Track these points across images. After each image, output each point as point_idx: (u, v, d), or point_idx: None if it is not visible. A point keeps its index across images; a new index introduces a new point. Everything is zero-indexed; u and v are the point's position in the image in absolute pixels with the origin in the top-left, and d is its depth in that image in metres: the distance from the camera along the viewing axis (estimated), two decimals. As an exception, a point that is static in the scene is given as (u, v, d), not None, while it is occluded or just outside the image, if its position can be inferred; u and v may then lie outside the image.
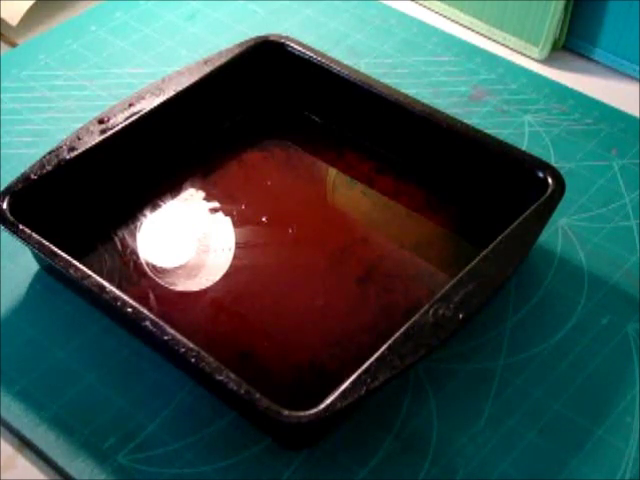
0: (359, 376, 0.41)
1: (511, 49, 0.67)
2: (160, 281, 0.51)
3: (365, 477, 0.44)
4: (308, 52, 0.57)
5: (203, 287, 0.51)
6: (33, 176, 0.50)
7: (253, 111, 0.59)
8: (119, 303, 0.44)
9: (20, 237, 0.47)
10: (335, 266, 0.51)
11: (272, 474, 0.43)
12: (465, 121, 0.53)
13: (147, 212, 0.54)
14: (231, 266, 0.52)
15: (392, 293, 0.50)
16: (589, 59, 0.66)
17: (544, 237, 0.53)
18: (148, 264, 0.51)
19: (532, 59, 0.66)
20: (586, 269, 0.52)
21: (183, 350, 0.42)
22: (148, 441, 0.44)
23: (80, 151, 0.51)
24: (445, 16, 0.70)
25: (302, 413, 0.40)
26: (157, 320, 0.43)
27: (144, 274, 0.51)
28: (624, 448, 0.45)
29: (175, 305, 0.50)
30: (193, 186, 0.56)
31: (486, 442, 0.45)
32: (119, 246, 0.52)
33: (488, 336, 0.49)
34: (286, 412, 0.41)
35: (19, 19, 0.67)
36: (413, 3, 0.71)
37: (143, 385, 0.47)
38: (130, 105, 0.54)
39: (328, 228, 0.54)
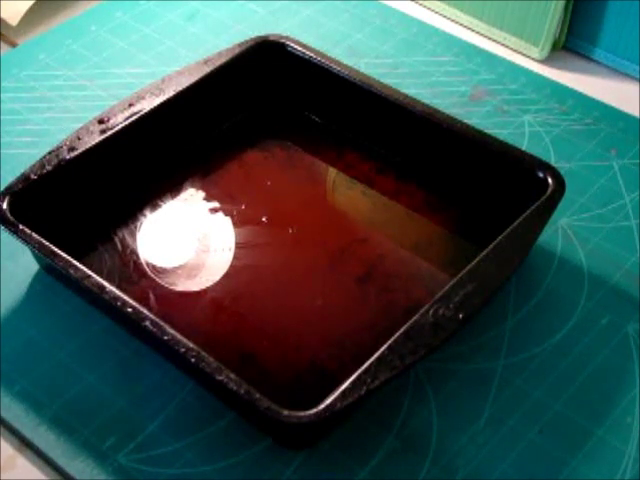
0: (359, 376, 0.41)
1: (511, 49, 0.67)
2: (160, 281, 0.51)
3: (365, 477, 0.44)
4: (308, 52, 0.57)
5: (203, 287, 0.51)
6: (33, 176, 0.50)
7: (253, 111, 0.59)
8: (119, 303, 0.44)
9: (20, 237, 0.47)
10: (335, 266, 0.51)
11: (272, 474, 0.43)
12: (465, 121, 0.53)
13: (147, 212, 0.54)
14: (231, 266, 0.52)
15: (392, 293, 0.50)
16: (589, 59, 0.66)
17: (544, 237, 0.53)
18: (148, 264, 0.51)
19: (532, 59, 0.66)
20: (586, 269, 0.52)
21: (183, 350, 0.42)
22: (148, 441, 0.44)
23: (80, 151, 0.51)
24: (445, 16, 0.70)
25: (302, 413, 0.41)
26: (157, 320, 0.43)
27: (144, 274, 0.51)
28: (624, 448, 0.45)
29: (175, 305, 0.50)
30: (193, 186, 0.56)
31: (486, 442, 0.45)
32: (119, 246, 0.52)
33: (488, 336, 0.49)
34: (286, 412, 0.41)
35: (19, 19, 0.67)
36: (413, 3, 0.71)
37: (143, 385, 0.47)
38: (130, 105, 0.54)
39: (328, 228, 0.54)
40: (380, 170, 0.56)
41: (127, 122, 0.53)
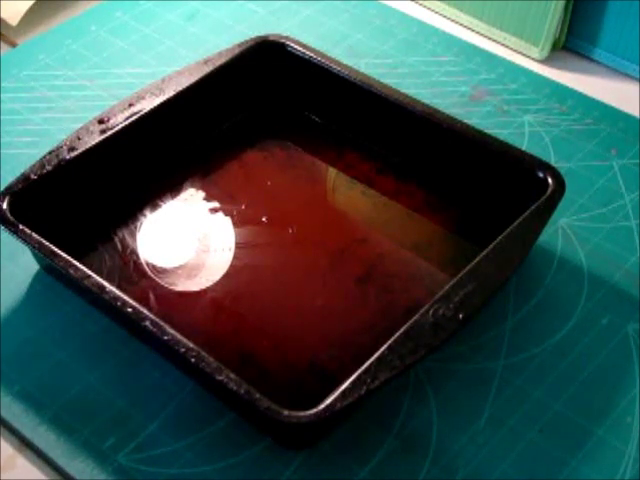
0: (359, 376, 0.41)
1: (511, 49, 0.67)
2: (160, 281, 0.51)
3: (365, 477, 0.44)
4: (308, 52, 0.57)
5: (203, 287, 0.51)
6: (33, 176, 0.50)
7: (253, 111, 0.59)
8: (119, 303, 0.44)
9: (20, 237, 0.47)
10: (335, 266, 0.51)
11: (272, 474, 0.44)
12: (465, 121, 0.53)
13: (147, 212, 0.54)
14: (231, 266, 0.52)
15: (392, 293, 0.50)
16: (589, 59, 0.66)
17: (544, 237, 0.53)
18: (148, 264, 0.51)
19: (532, 59, 0.66)
20: (586, 269, 0.52)
21: (183, 350, 0.42)
22: (148, 441, 0.44)
23: (80, 151, 0.51)
24: (445, 16, 0.70)
25: (302, 413, 0.40)
26: (157, 320, 0.43)
27: (144, 274, 0.51)
28: (624, 448, 0.45)
29: (175, 305, 0.50)
30: (193, 186, 0.56)
31: (486, 442, 0.45)
32: (119, 246, 0.52)
33: (488, 336, 0.49)
34: (286, 412, 0.41)
35: (19, 19, 0.67)
36: (413, 3, 0.71)
37: (143, 385, 0.47)
38: (130, 105, 0.54)
39: (328, 228, 0.54)
40: (380, 170, 0.56)
41: (127, 122, 0.53)
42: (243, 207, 0.54)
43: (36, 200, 0.50)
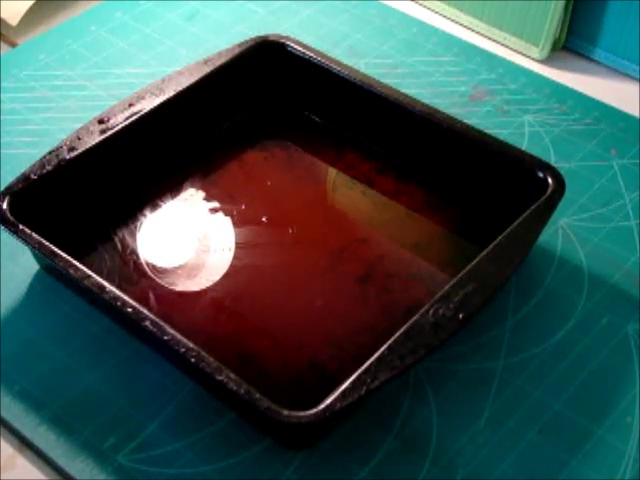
0: (359, 376, 0.41)
1: (511, 49, 0.67)
2: (160, 281, 0.51)
3: (365, 477, 0.44)
4: (308, 52, 0.57)
5: (203, 287, 0.51)
6: (33, 176, 0.50)
7: (253, 111, 0.59)
8: (119, 303, 0.44)
9: (20, 237, 0.47)
10: (335, 266, 0.51)
11: (272, 474, 0.44)
12: (465, 121, 0.53)
13: (147, 212, 0.54)
14: (231, 266, 0.52)
15: (392, 293, 0.50)
16: (589, 59, 0.66)
17: (544, 237, 0.53)
18: (148, 264, 0.51)
19: (532, 59, 0.66)
20: (586, 269, 0.52)
21: (183, 350, 0.42)
22: (148, 441, 0.44)
23: (80, 151, 0.51)
24: (445, 16, 0.70)
25: (302, 413, 0.41)
26: (157, 320, 0.43)
27: (144, 274, 0.51)
28: (624, 448, 0.45)
29: (175, 305, 0.50)
30: (193, 186, 0.56)
31: (486, 442, 0.45)
32: (119, 246, 0.52)
33: (488, 336, 0.49)
34: (286, 412, 0.41)
35: (19, 19, 0.67)
36: (413, 3, 0.71)
37: (143, 385, 0.47)
38: (130, 105, 0.54)
39: (328, 228, 0.54)
40: (380, 170, 0.56)
41: (127, 122, 0.53)
42: (243, 207, 0.54)
43: (36, 200, 0.50)
